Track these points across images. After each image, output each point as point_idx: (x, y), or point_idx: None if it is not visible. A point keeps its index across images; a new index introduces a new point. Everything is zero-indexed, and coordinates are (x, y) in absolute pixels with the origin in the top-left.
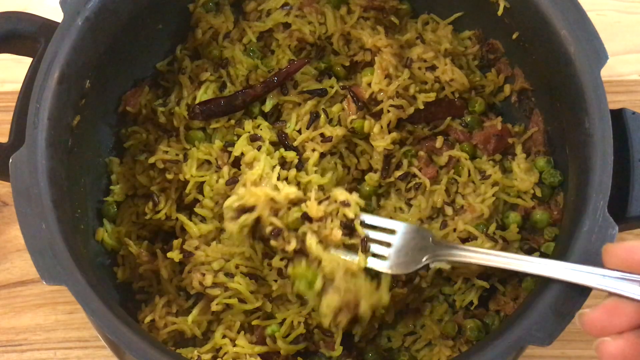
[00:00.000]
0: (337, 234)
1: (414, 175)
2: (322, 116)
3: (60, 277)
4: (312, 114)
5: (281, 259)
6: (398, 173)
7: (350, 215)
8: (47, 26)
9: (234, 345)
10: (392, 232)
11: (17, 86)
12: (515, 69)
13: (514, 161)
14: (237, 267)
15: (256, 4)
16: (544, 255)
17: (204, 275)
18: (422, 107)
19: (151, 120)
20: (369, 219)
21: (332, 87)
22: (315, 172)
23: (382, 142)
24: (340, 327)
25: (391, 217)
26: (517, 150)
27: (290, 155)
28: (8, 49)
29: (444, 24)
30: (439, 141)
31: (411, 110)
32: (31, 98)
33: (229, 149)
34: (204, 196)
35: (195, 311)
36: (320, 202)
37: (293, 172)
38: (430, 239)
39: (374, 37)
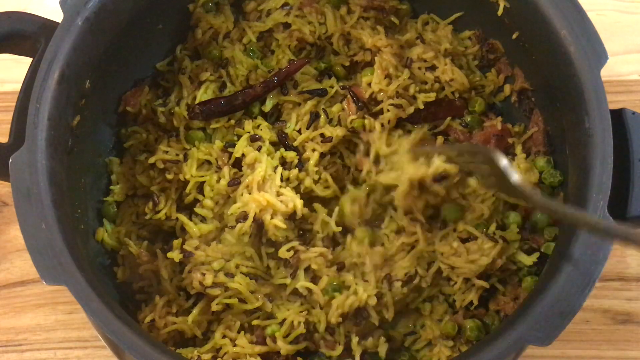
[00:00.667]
0: None
1: None
2: (322, 116)
3: (60, 277)
4: (312, 114)
5: (288, 250)
6: None
7: None
8: (47, 26)
9: (234, 345)
10: None
11: (17, 86)
12: (515, 69)
13: (514, 161)
14: (237, 267)
15: (256, 4)
16: (544, 255)
17: (204, 275)
18: (422, 107)
19: (151, 120)
20: None
21: (332, 87)
22: (316, 172)
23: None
24: (418, 210)
25: (391, 217)
26: (517, 150)
27: (291, 155)
28: (8, 49)
29: (444, 24)
30: (439, 141)
31: (411, 110)
32: (31, 98)
33: (230, 149)
34: (204, 196)
35: (195, 311)
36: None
37: (295, 171)
38: None
39: (374, 37)
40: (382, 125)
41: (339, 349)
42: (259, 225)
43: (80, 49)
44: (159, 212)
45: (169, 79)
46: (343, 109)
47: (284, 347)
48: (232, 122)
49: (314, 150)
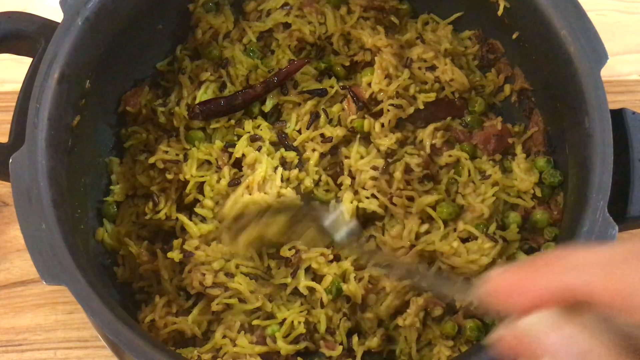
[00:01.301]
0: None
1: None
2: (322, 116)
3: (60, 277)
4: (312, 114)
5: (289, 249)
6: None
7: None
8: (47, 26)
9: (234, 345)
10: None
11: (17, 86)
12: (515, 69)
13: (514, 161)
14: (237, 267)
15: (256, 4)
16: None
17: (204, 275)
18: (422, 107)
19: (151, 120)
20: None
21: (332, 87)
22: (316, 172)
23: (385, 140)
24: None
25: (392, 216)
26: (517, 150)
27: (291, 155)
28: (8, 49)
29: (444, 24)
30: (439, 139)
31: (411, 110)
32: (31, 98)
33: (230, 149)
34: (204, 196)
35: (195, 311)
36: None
37: (295, 172)
38: None
39: (374, 37)
40: (382, 125)
41: (339, 349)
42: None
43: (80, 49)
44: (159, 212)
45: (169, 79)
46: (343, 109)
47: (284, 347)
48: (232, 122)
49: (314, 150)
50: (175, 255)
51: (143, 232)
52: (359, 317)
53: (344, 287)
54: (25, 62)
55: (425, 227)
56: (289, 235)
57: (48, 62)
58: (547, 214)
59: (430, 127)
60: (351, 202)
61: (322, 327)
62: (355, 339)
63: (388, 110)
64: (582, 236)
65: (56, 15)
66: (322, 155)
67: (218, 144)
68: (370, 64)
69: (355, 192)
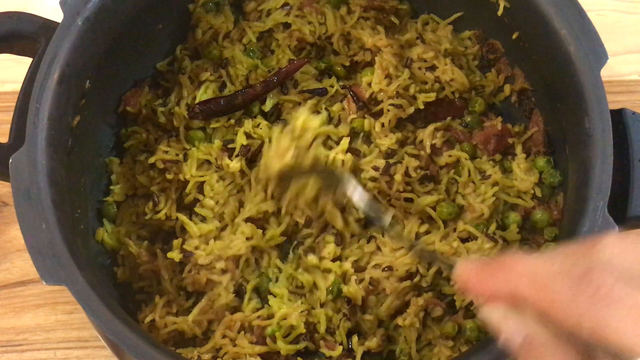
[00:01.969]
0: None
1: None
2: (324, 114)
3: (60, 277)
4: (312, 113)
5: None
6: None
7: None
8: (47, 26)
9: (234, 345)
10: None
11: (17, 86)
12: (515, 69)
13: (514, 161)
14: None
15: (256, 4)
16: None
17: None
18: (422, 107)
19: (151, 120)
20: None
21: (332, 86)
22: None
23: (385, 140)
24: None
25: (392, 216)
26: (517, 150)
27: None
28: (8, 49)
29: (444, 24)
30: (439, 139)
31: (411, 110)
32: (31, 98)
33: (230, 145)
34: (204, 196)
35: (195, 311)
36: None
37: None
38: None
39: (374, 37)
40: (382, 124)
41: (339, 349)
42: None
43: (80, 49)
44: (159, 212)
45: (169, 79)
46: (343, 109)
47: (284, 347)
48: (232, 121)
49: None
50: (175, 255)
51: (143, 232)
52: (359, 317)
53: (344, 288)
54: (25, 62)
55: (425, 227)
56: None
57: (48, 62)
58: (547, 214)
59: (430, 127)
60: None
61: (322, 327)
62: (355, 339)
63: (388, 110)
64: (582, 236)
65: (56, 15)
66: None
67: (217, 143)
68: (370, 64)
69: None
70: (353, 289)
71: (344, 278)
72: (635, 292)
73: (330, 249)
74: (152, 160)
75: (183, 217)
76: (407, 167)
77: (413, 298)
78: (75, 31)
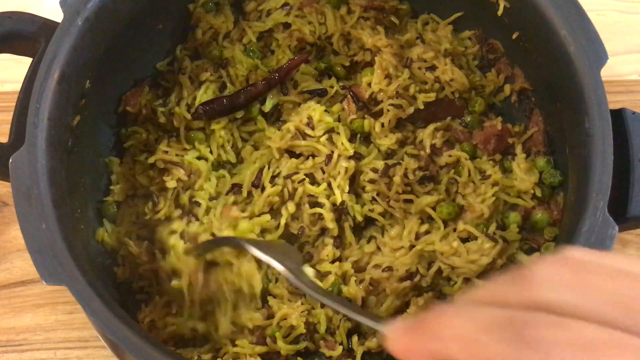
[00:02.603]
0: None
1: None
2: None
3: (60, 277)
4: None
5: None
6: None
7: None
8: (47, 26)
9: (234, 345)
10: None
11: (17, 86)
12: (515, 69)
13: (514, 161)
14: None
15: (256, 4)
16: (544, 255)
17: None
18: (422, 107)
19: (151, 120)
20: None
21: (332, 87)
22: None
23: (385, 140)
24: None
25: (391, 216)
26: (517, 150)
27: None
28: (8, 49)
29: (444, 24)
30: (439, 139)
31: (411, 110)
32: (31, 98)
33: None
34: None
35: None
36: None
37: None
38: None
39: (374, 37)
40: (382, 125)
41: (339, 349)
42: None
43: (80, 49)
44: (158, 212)
45: (169, 79)
46: (343, 109)
47: (284, 347)
48: (231, 125)
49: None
50: None
51: (143, 232)
52: None
53: (344, 289)
54: (25, 62)
55: (425, 227)
56: None
57: (48, 62)
58: (547, 214)
59: (430, 127)
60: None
61: (322, 328)
62: (355, 339)
63: (388, 110)
64: (582, 236)
65: (56, 15)
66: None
67: (218, 139)
68: (370, 64)
69: (357, 195)
70: (353, 290)
71: (344, 279)
72: (564, 332)
73: (328, 251)
74: (152, 160)
75: (180, 222)
76: (405, 169)
77: (413, 298)
78: (75, 31)
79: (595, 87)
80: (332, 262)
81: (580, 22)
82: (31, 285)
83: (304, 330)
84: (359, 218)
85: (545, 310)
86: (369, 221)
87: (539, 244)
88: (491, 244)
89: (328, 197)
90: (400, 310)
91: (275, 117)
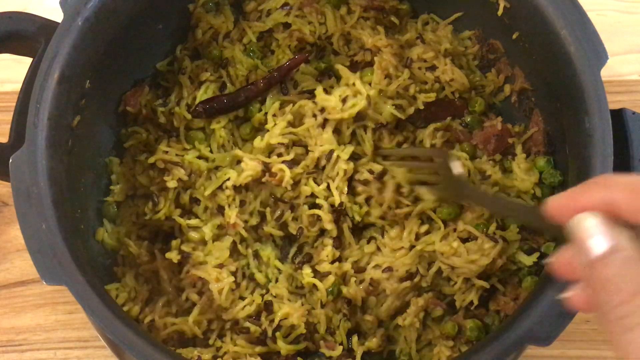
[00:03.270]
0: None
1: None
2: None
3: (60, 277)
4: None
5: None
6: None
7: None
8: (47, 26)
9: (234, 345)
10: None
11: (17, 86)
12: (515, 69)
13: (514, 161)
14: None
15: (256, 4)
16: (544, 255)
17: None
18: (422, 107)
19: (151, 120)
20: None
21: (332, 87)
22: None
23: (386, 142)
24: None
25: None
26: (517, 150)
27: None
28: (8, 49)
29: (444, 24)
30: (439, 139)
31: (411, 110)
32: (31, 98)
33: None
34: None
35: (195, 311)
36: None
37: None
38: None
39: (374, 37)
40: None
41: (339, 349)
42: None
43: (80, 49)
44: (158, 212)
45: (169, 79)
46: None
47: (284, 347)
48: (232, 125)
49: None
50: (173, 255)
51: (143, 232)
52: (359, 317)
53: (344, 289)
54: (25, 62)
55: (425, 227)
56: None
57: (48, 62)
58: None
59: (430, 127)
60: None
61: (322, 328)
62: (355, 339)
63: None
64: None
65: (56, 15)
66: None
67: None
68: (370, 64)
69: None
70: (353, 290)
71: (344, 279)
72: None
73: (327, 251)
74: (152, 160)
75: (181, 220)
76: (397, 185)
77: (413, 298)
78: (75, 31)
79: (595, 87)
80: (332, 262)
81: (580, 22)
82: (31, 285)
83: (304, 330)
84: (357, 219)
85: None
86: (369, 221)
87: (539, 244)
88: (491, 244)
89: (327, 198)
90: (400, 310)
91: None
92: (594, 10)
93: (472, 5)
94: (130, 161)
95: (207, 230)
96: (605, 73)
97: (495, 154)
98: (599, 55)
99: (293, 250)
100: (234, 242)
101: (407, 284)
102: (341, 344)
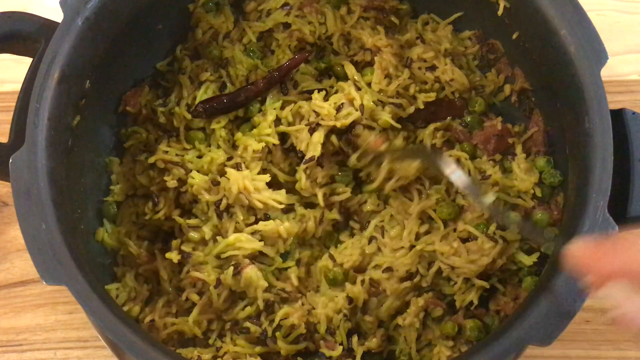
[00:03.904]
0: None
1: None
2: None
3: (60, 277)
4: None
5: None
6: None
7: None
8: (47, 26)
9: (234, 345)
10: None
11: (17, 86)
12: (515, 69)
13: (514, 161)
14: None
15: (256, 4)
16: (544, 255)
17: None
18: (422, 107)
19: (151, 120)
20: None
21: (332, 87)
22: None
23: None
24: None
25: (392, 216)
26: (517, 150)
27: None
28: (8, 49)
29: (444, 24)
30: (439, 139)
31: (411, 110)
32: (31, 98)
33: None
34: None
35: (195, 311)
36: None
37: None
38: None
39: (374, 37)
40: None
41: (339, 349)
42: None
43: (80, 49)
44: (158, 212)
45: (169, 79)
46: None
47: (284, 347)
48: (230, 126)
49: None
50: (173, 256)
51: (143, 232)
52: (359, 318)
53: (348, 287)
54: (25, 62)
55: (425, 227)
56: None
57: (48, 62)
58: (547, 214)
59: (431, 127)
60: None
61: (322, 328)
62: (355, 339)
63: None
64: (582, 236)
65: (56, 15)
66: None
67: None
68: (370, 64)
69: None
70: (357, 290)
71: (346, 278)
72: None
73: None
74: (152, 160)
75: (181, 221)
76: None
77: (413, 298)
78: (75, 31)
79: (595, 87)
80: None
81: (580, 22)
82: (31, 285)
83: (304, 330)
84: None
85: None
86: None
87: (539, 244)
88: (491, 244)
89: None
90: (400, 310)
91: (275, 117)
92: (594, 10)
93: (472, 5)
94: (130, 161)
95: (207, 230)
96: (605, 73)
97: (495, 154)
98: (599, 55)
99: None
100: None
101: (407, 284)
102: (341, 344)
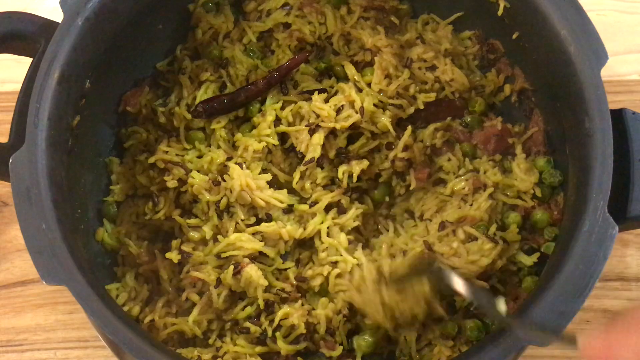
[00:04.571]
0: None
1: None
2: None
3: (60, 277)
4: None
5: None
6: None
7: None
8: (47, 26)
9: (234, 345)
10: None
11: (17, 86)
12: (515, 69)
13: (514, 161)
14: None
15: (256, 4)
16: (544, 255)
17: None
18: (422, 107)
19: (151, 120)
20: None
21: (332, 87)
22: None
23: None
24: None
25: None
26: (517, 150)
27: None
28: (8, 49)
29: (444, 24)
30: (439, 139)
31: (411, 110)
32: (31, 98)
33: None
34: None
35: (195, 311)
36: None
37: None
38: None
39: (374, 37)
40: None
41: (339, 350)
42: None
43: (80, 49)
44: (158, 212)
45: (169, 79)
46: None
47: (284, 347)
48: (231, 125)
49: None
50: (173, 256)
51: (143, 232)
52: (359, 319)
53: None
54: (25, 62)
55: (424, 227)
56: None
57: (48, 62)
58: (547, 214)
59: (431, 127)
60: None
61: (322, 328)
62: (357, 339)
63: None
64: (582, 236)
65: (56, 15)
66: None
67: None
68: (370, 64)
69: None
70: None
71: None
72: None
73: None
74: (152, 160)
75: (181, 220)
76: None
77: None
78: (75, 31)
79: (595, 87)
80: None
81: (580, 22)
82: (31, 285)
83: (304, 330)
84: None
85: None
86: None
87: (539, 244)
88: (491, 244)
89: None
90: None
91: (275, 117)
92: (594, 10)
93: (472, 5)
94: (130, 161)
95: (208, 230)
96: (605, 73)
97: (495, 154)
98: (599, 55)
99: None
100: None
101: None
102: (341, 344)
